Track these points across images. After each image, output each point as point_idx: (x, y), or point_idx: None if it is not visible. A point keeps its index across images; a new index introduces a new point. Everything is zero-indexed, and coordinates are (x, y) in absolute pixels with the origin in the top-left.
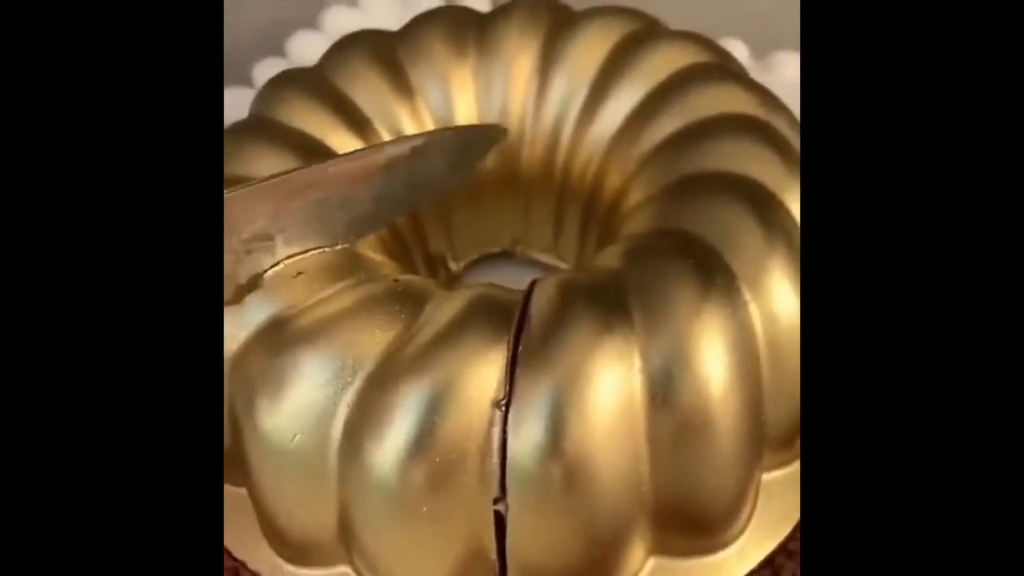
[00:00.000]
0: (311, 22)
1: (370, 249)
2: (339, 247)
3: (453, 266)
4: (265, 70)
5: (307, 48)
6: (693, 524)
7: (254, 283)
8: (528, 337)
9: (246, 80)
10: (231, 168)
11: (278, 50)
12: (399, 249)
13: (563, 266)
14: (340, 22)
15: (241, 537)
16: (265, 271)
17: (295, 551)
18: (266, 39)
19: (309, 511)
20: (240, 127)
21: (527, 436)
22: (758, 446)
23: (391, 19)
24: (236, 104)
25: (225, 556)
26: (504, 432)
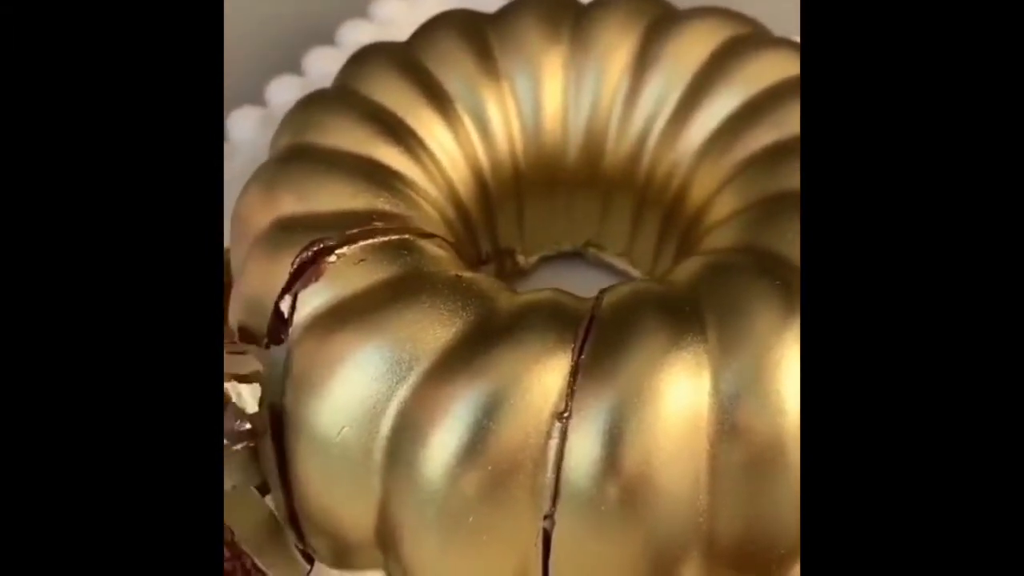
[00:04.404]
0: (362, 11)
1: (437, 232)
2: (404, 236)
3: (522, 260)
4: (314, 59)
5: (360, 38)
6: (751, 562)
7: (319, 269)
8: (591, 347)
9: (296, 69)
10: (309, 136)
11: (328, 39)
12: (467, 236)
13: (636, 273)
14: (388, 11)
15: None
16: (329, 257)
17: (329, 550)
18: (316, 28)
19: (348, 509)
20: (322, 96)
21: (582, 451)
22: None
23: (442, 5)
24: (286, 90)
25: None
26: (561, 446)
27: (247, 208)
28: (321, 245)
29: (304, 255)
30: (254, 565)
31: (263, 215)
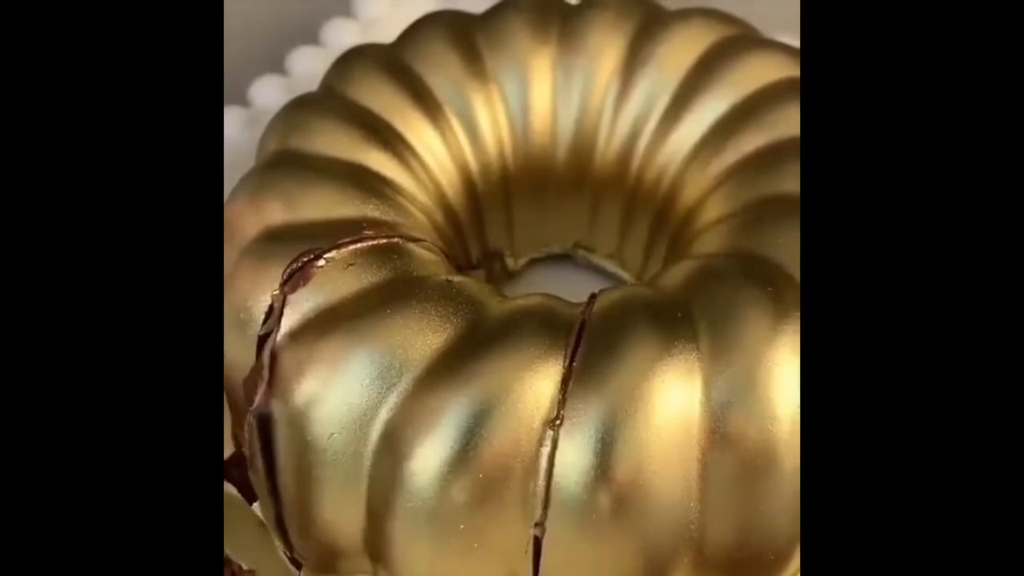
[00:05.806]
0: (346, 10)
1: (426, 237)
2: (393, 239)
3: (511, 263)
4: (297, 58)
5: (344, 37)
6: (741, 568)
7: (307, 274)
8: (583, 353)
9: (280, 69)
10: (296, 142)
11: (312, 38)
12: (456, 240)
13: (625, 275)
14: (373, 9)
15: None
16: (318, 262)
17: (317, 556)
18: (300, 27)
19: (336, 515)
20: (309, 99)
21: (574, 459)
22: None
23: (427, 4)
24: (270, 90)
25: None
26: (553, 453)
27: (234, 216)
28: (311, 256)
29: (293, 266)
30: (243, 572)
31: (251, 224)
